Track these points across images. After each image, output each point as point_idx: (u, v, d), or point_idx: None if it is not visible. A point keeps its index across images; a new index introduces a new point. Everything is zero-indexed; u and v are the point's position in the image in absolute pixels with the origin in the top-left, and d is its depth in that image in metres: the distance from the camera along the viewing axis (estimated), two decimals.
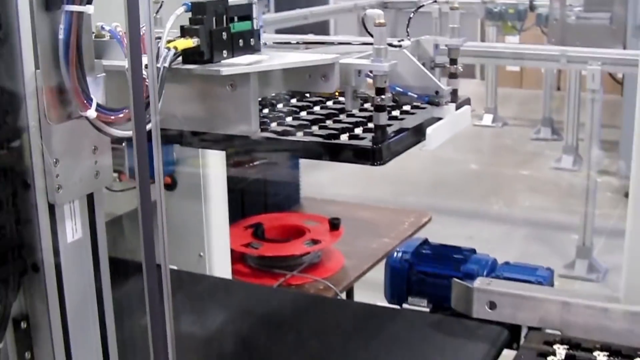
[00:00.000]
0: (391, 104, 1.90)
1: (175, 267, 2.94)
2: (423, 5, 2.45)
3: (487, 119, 9.85)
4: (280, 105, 2.18)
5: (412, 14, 2.32)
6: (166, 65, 1.65)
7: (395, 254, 2.75)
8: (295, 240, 3.76)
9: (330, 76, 1.81)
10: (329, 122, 2.01)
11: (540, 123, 9.63)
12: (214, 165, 3.02)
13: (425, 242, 2.79)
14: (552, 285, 2.60)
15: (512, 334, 2.43)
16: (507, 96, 11.06)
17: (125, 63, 1.50)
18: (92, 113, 1.59)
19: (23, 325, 1.81)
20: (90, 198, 1.79)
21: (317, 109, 2.15)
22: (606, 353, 2.27)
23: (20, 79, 1.61)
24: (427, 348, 2.39)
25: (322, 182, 7.24)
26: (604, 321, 2.34)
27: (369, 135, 1.84)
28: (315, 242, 3.70)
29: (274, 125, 1.99)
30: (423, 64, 2.13)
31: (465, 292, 2.45)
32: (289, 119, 2.05)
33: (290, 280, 3.56)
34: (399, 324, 2.54)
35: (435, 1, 2.39)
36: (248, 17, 1.87)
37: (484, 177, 8.39)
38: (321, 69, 1.82)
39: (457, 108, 2.07)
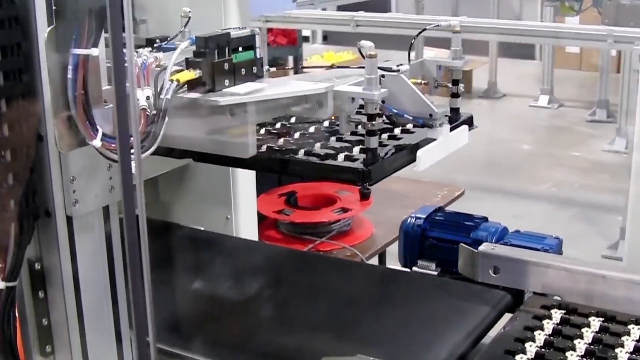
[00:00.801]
0: (384, 126, 2.11)
1: (202, 228, 3.09)
2: (425, 29, 2.59)
3: (543, 100, 9.82)
4: (278, 125, 2.34)
5: (414, 39, 2.44)
6: (169, 97, 1.80)
7: (409, 219, 2.84)
8: (326, 208, 3.87)
9: (325, 103, 1.95)
10: (319, 145, 2.18)
11: (595, 105, 9.58)
12: None
13: (440, 209, 2.87)
14: (559, 253, 2.66)
15: (516, 299, 2.50)
16: (565, 78, 11.00)
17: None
18: (97, 142, 1.77)
19: (37, 266, 1.96)
20: None
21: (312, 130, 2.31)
22: (601, 319, 2.34)
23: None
24: (431, 309, 2.47)
25: None
26: (604, 288, 2.40)
27: (361, 157, 2.02)
28: (345, 210, 3.81)
29: (270, 144, 2.16)
30: (427, 84, 2.27)
31: (471, 256, 2.53)
32: (284, 140, 2.22)
33: (319, 247, 3.67)
34: (407, 285, 2.63)
35: (438, 25, 2.51)
36: (251, 47, 2.02)
37: (535, 157, 8.40)
38: (315, 97, 1.96)
39: (457, 126, 2.20)
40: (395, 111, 2.08)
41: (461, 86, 2.34)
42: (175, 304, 2.46)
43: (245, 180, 3.20)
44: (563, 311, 2.39)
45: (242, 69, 1.98)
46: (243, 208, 3.21)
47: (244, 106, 1.92)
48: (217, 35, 1.93)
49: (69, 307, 1.97)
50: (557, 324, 2.32)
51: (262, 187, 4.08)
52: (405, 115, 2.08)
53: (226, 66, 1.93)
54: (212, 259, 2.82)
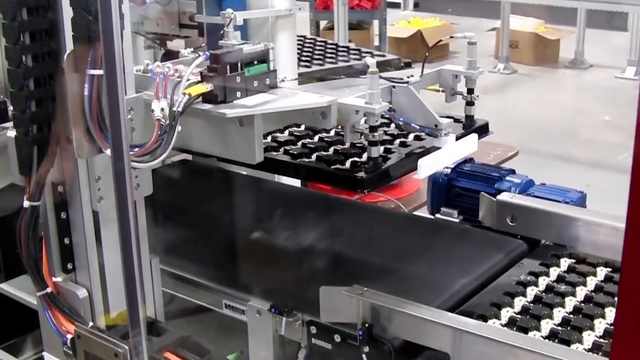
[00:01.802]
0: (397, 133, 2.31)
1: (244, 173, 3.21)
2: (441, 41, 2.68)
3: (630, 71, 9.62)
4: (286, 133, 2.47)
5: (427, 53, 2.53)
6: (180, 109, 1.92)
7: None
8: None
9: (328, 115, 2.07)
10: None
11: None
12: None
13: (470, 160, 2.93)
14: (584, 207, 2.69)
15: (532, 248, 2.57)
16: None
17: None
18: (110, 152, 1.87)
19: (60, 189, 2.10)
20: None
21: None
22: (609, 269, 2.39)
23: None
24: (448, 253, 2.55)
25: None
26: (615, 240, 2.44)
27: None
28: None
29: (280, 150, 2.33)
30: (443, 91, 2.38)
31: (490, 205, 2.60)
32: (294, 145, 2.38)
33: (365, 198, 3.75)
34: (429, 231, 2.71)
35: (452, 37, 2.60)
36: (265, 61, 2.15)
37: (615, 128, 8.27)
38: (320, 109, 2.07)
39: (470, 133, 2.30)
40: (403, 120, 2.20)
41: (476, 95, 2.42)
42: (219, 244, 2.60)
43: None
44: (572, 260, 2.45)
45: (255, 82, 2.12)
46: None
47: (251, 117, 2.05)
48: (229, 52, 2.07)
49: (88, 228, 2.12)
50: (564, 272, 2.38)
51: None
52: (413, 125, 2.20)
53: (238, 79, 2.07)
54: (256, 203, 2.94)
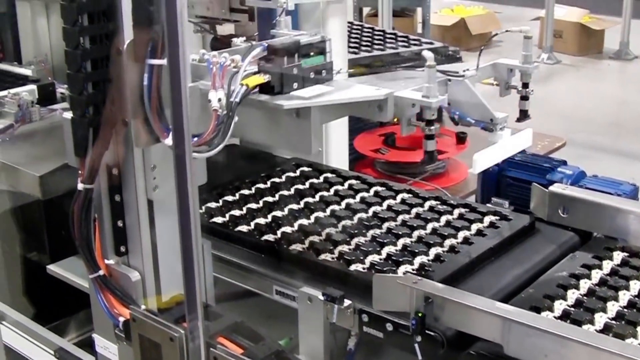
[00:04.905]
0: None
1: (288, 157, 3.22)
2: (495, 35, 2.64)
3: None
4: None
5: (481, 48, 2.50)
6: (237, 100, 1.92)
7: None
8: (421, 149, 3.92)
9: (385, 107, 2.07)
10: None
11: None
12: (335, 69, 3.21)
13: (521, 151, 2.90)
14: (635, 199, 2.67)
15: (584, 240, 2.54)
16: None
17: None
18: (169, 141, 1.90)
19: (114, 171, 2.11)
20: None
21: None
22: None
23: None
24: (500, 243, 2.52)
25: (495, 111, 7.27)
26: None
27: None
28: (440, 152, 3.86)
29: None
30: (497, 85, 2.35)
31: (542, 196, 2.58)
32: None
33: (413, 186, 3.74)
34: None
35: (508, 31, 2.56)
36: (322, 52, 2.14)
37: None
38: (376, 102, 2.07)
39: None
40: (459, 114, 2.18)
41: (530, 90, 2.40)
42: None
43: None
44: (626, 254, 2.42)
45: (311, 73, 2.11)
46: (335, 142, 3.31)
47: (308, 109, 2.05)
48: (286, 43, 2.07)
49: (142, 211, 2.12)
50: (617, 265, 2.35)
51: (363, 126, 4.18)
52: (468, 119, 2.18)
53: (294, 71, 2.06)
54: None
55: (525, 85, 2.41)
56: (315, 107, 2.05)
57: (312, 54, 2.12)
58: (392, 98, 2.07)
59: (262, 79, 2.01)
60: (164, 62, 1.90)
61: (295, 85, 2.06)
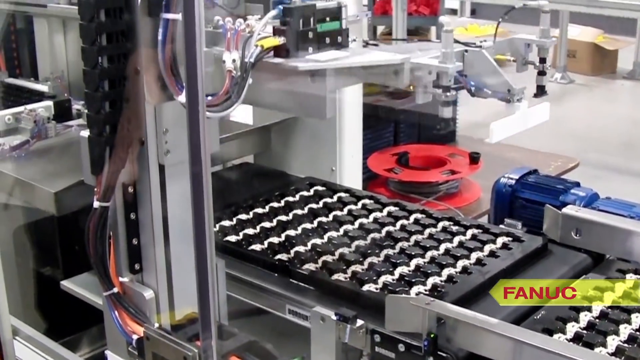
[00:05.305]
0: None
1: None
2: (512, 9, 2.60)
3: None
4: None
5: (499, 20, 2.49)
6: (252, 60, 1.91)
7: (501, 179, 2.90)
8: (435, 169, 3.95)
9: (401, 73, 2.05)
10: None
11: None
12: (350, 91, 3.23)
13: (534, 172, 2.92)
14: None
15: (597, 262, 2.54)
16: None
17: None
18: (182, 98, 1.91)
19: (130, 190, 2.12)
20: None
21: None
22: None
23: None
24: (512, 265, 2.51)
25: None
26: None
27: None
28: (453, 172, 3.88)
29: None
30: (514, 61, 2.34)
31: (555, 217, 2.58)
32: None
33: (426, 206, 3.75)
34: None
35: (525, 5, 2.54)
36: (338, 18, 2.13)
37: None
38: (393, 67, 2.06)
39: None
40: (475, 85, 2.17)
41: (548, 65, 2.38)
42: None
43: (351, 134, 3.31)
44: (638, 276, 2.42)
45: (327, 38, 2.09)
46: (348, 161, 3.32)
47: (323, 72, 2.03)
48: (302, 6, 2.05)
49: (156, 229, 2.13)
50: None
51: (376, 145, 4.20)
52: (485, 90, 2.16)
53: (310, 35, 2.05)
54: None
55: (542, 61, 2.39)
56: (330, 71, 2.03)
57: (328, 19, 2.10)
58: (409, 64, 2.05)
59: (277, 41, 1.99)
60: (178, 16, 1.89)
61: (310, 49, 2.04)
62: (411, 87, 2.23)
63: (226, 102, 1.90)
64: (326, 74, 2.04)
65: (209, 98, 1.88)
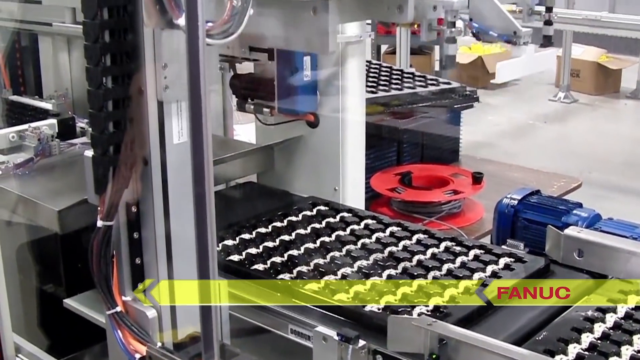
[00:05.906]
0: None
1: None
2: None
3: None
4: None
5: None
6: None
7: (504, 199, 2.91)
8: (438, 189, 3.95)
9: (405, 9, 2.02)
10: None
11: None
12: (353, 109, 3.25)
13: (536, 192, 2.92)
14: None
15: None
16: None
17: None
18: (182, 21, 1.87)
19: (133, 209, 2.13)
20: None
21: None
22: None
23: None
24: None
25: (511, 150, 7.35)
26: None
27: None
28: (456, 192, 3.88)
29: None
30: (520, 11, 2.33)
31: (557, 238, 2.58)
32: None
33: (428, 225, 3.75)
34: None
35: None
36: None
37: None
38: (397, 1, 2.03)
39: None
40: (481, 28, 2.15)
41: (554, 15, 2.36)
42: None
43: (354, 154, 3.32)
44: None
45: None
46: (351, 181, 3.33)
47: (326, 4, 2.00)
48: None
49: (160, 249, 2.14)
50: (632, 309, 2.35)
51: (379, 165, 4.21)
52: (491, 32, 2.15)
53: None
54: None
55: (548, 10, 2.38)
56: (333, 5, 2.01)
57: None
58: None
59: None
60: None
61: None
62: (415, 26, 2.22)
63: (225, 31, 1.85)
64: (329, 7, 2.01)
65: (209, 24, 1.83)
